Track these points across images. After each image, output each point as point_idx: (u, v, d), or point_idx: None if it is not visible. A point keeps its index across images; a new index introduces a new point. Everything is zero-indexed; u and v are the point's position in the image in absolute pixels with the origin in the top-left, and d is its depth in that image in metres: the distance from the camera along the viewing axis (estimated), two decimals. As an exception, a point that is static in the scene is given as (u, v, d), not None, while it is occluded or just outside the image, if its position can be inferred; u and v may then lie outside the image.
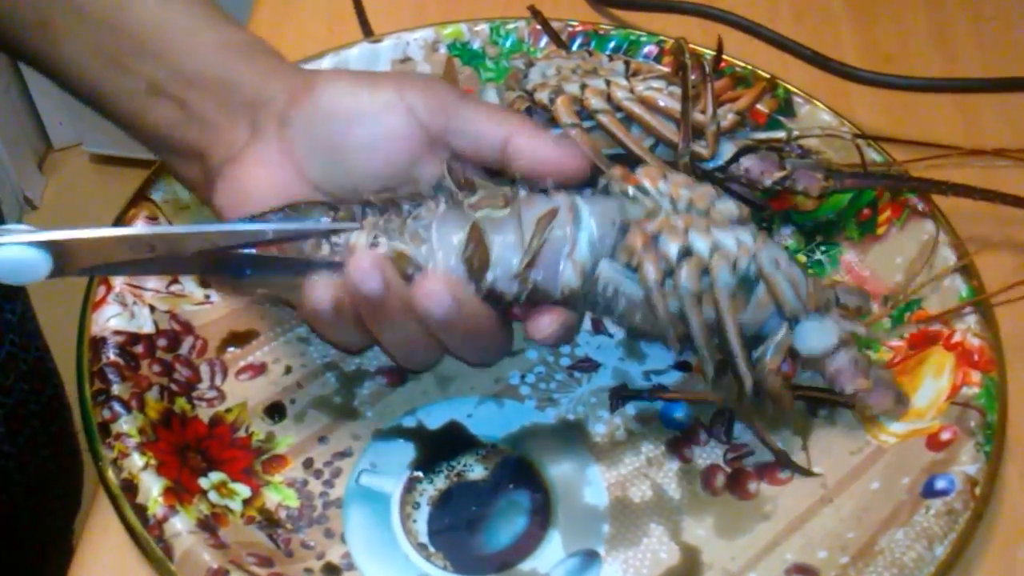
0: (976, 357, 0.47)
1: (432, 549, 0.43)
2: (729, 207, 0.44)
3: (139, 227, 0.40)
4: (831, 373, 0.45)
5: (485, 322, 0.42)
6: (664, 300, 0.42)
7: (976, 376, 0.46)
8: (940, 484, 0.43)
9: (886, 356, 0.49)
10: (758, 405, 0.45)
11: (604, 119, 0.48)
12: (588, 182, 0.44)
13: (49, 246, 0.38)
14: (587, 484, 0.45)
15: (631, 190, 0.44)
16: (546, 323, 0.42)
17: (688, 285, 0.42)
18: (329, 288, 0.41)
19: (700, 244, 0.43)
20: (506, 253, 0.41)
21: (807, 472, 0.45)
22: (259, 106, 0.43)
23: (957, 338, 0.47)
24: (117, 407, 0.44)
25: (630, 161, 0.47)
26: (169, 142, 0.45)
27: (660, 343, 0.50)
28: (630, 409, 0.48)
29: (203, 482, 0.44)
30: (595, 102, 0.48)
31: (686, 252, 0.42)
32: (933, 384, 0.47)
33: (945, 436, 0.45)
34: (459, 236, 0.41)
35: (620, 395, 0.48)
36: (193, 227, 0.40)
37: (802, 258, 0.53)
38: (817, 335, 0.44)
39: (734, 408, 0.46)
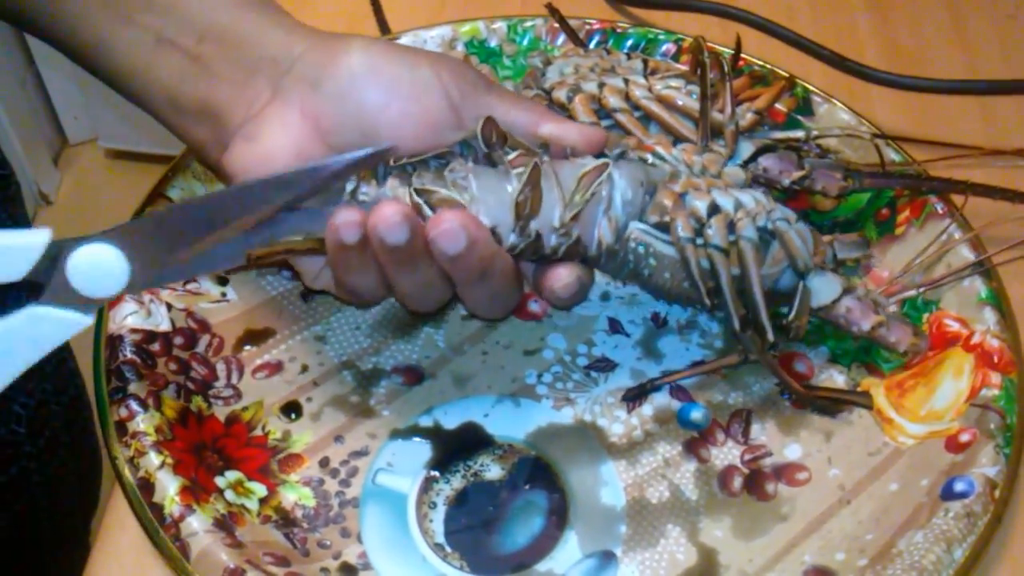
0: (996, 358, 0.46)
1: (449, 549, 0.43)
2: (736, 171, 0.47)
3: (203, 198, 0.39)
4: (845, 316, 0.46)
5: (501, 264, 0.42)
6: (696, 256, 0.44)
7: (996, 378, 0.46)
8: (959, 486, 0.43)
9: (905, 357, 0.48)
10: (776, 349, 0.47)
11: (622, 118, 0.48)
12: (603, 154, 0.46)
13: (117, 238, 0.37)
14: (604, 484, 0.45)
15: (649, 157, 0.46)
16: (564, 274, 0.43)
17: (718, 240, 0.44)
18: (356, 223, 0.39)
19: (724, 201, 0.45)
20: (547, 206, 0.43)
21: (838, 410, 0.47)
22: (282, 64, 0.42)
23: (976, 339, 0.47)
24: (134, 405, 0.44)
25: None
26: (177, 99, 0.44)
27: (682, 304, 0.50)
28: (647, 409, 0.47)
29: (219, 481, 0.44)
30: (613, 101, 0.48)
31: (713, 208, 0.45)
32: (952, 385, 0.47)
33: (964, 438, 0.44)
34: (504, 185, 0.42)
35: (634, 394, 0.48)
36: (247, 183, 0.39)
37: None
38: (825, 287, 0.46)
39: (759, 358, 0.46)
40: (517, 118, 0.44)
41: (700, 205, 0.45)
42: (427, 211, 0.42)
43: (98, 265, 0.37)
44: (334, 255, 0.41)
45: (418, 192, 0.42)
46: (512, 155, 0.43)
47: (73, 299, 0.37)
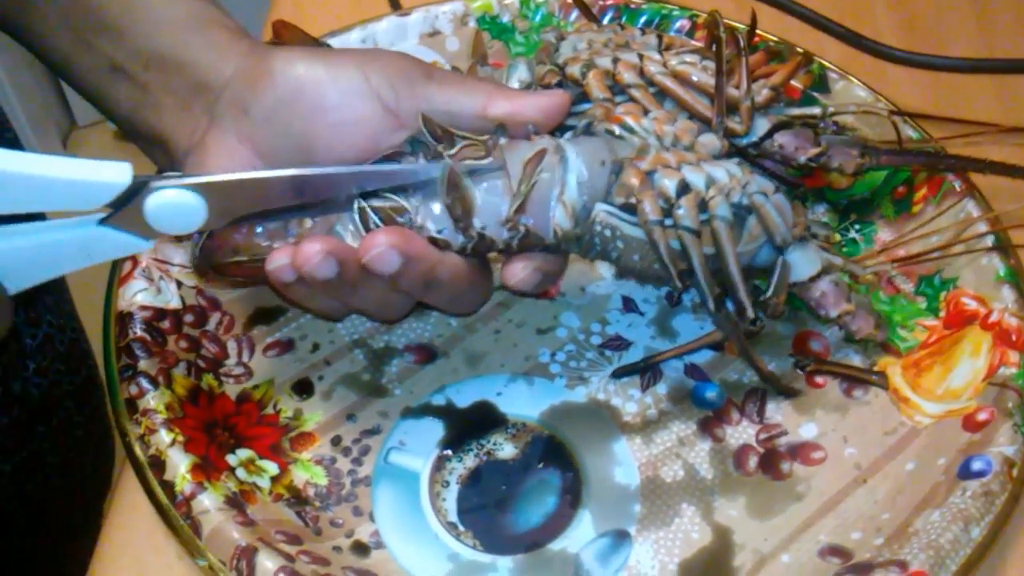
0: (1014, 337, 0.46)
1: (461, 528, 0.43)
2: (711, 140, 0.44)
3: (293, 169, 0.40)
4: (816, 298, 0.45)
5: (447, 271, 0.41)
6: (665, 238, 0.42)
7: (1014, 356, 0.45)
8: (977, 465, 0.42)
9: (922, 336, 0.48)
10: (755, 334, 0.45)
11: (637, 93, 0.47)
12: (570, 125, 0.44)
13: (205, 190, 0.38)
14: (618, 464, 0.45)
15: (616, 129, 0.44)
16: (518, 268, 0.42)
17: (688, 221, 0.42)
18: (286, 267, 0.40)
19: (695, 178, 0.43)
20: (493, 200, 0.41)
21: (794, 392, 0.46)
22: (213, 91, 0.42)
23: (994, 318, 0.47)
24: (144, 383, 0.44)
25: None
26: (133, 125, 0.45)
27: (653, 284, 0.50)
28: (661, 388, 0.47)
29: (231, 459, 0.44)
30: (628, 76, 0.47)
31: (683, 188, 0.42)
32: (970, 364, 0.46)
33: (982, 417, 0.44)
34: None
35: (625, 372, 0.47)
36: (349, 168, 0.40)
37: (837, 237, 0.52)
38: (804, 262, 0.45)
39: (734, 340, 0.46)
40: (464, 104, 0.42)
41: (668, 184, 0.42)
42: (375, 222, 0.41)
43: (178, 207, 0.38)
44: (281, 291, 0.42)
45: (364, 195, 0.41)
46: (455, 148, 0.42)
47: (140, 228, 0.38)
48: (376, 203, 0.41)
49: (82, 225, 0.38)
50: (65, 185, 0.36)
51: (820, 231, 0.47)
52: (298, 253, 0.39)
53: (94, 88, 0.45)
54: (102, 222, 0.38)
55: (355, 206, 0.41)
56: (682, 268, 0.43)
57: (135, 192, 0.37)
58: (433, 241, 0.41)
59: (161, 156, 0.45)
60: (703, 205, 0.43)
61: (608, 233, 0.43)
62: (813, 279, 0.45)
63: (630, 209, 0.42)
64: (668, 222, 0.42)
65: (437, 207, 0.41)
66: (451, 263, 0.42)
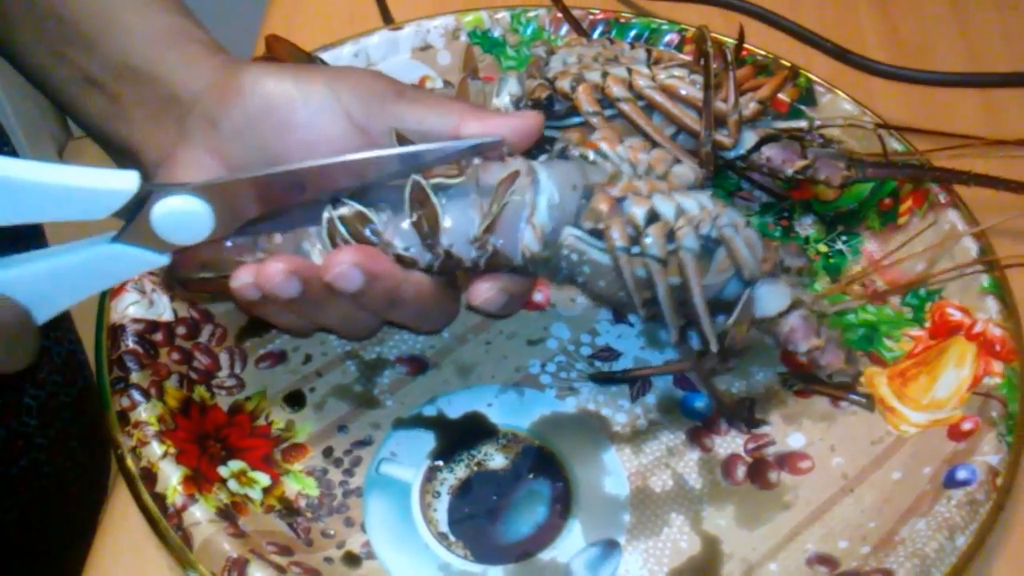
0: (998, 347, 0.46)
1: (452, 538, 0.43)
2: (685, 171, 0.44)
3: (297, 163, 0.40)
4: (785, 334, 0.45)
5: (411, 289, 0.41)
6: (631, 265, 0.42)
7: (998, 366, 0.46)
8: (962, 474, 0.43)
9: (907, 346, 0.48)
10: (720, 365, 0.45)
11: (626, 107, 0.48)
12: (544, 148, 0.44)
13: (210, 194, 0.38)
14: (607, 473, 0.45)
15: (591, 154, 0.44)
16: (483, 288, 0.42)
17: (655, 250, 0.42)
18: (250, 285, 0.40)
19: (665, 207, 0.42)
20: (464, 219, 0.41)
21: (759, 422, 0.46)
22: (183, 104, 0.42)
23: (979, 328, 0.47)
24: (136, 395, 0.44)
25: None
26: (104, 136, 0.45)
27: (620, 311, 0.50)
28: (650, 398, 0.47)
29: (222, 471, 0.44)
30: (617, 90, 0.48)
31: (652, 216, 0.42)
32: (955, 374, 0.47)
33: (967, 426, 0.44)
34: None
35: (602, 378, 0.48)
36: (349, 156, 0.40)
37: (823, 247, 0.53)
38: (773, 297, 0.44)
39: (695, 370, 0.46)
40: (435, 124, 0.42)
41: (638, 212, 0.42)
42: (345, 236, 0.41)
43: (184, 215, 0.39)
44: (247, 308, 0.42)
45: (335, 205, 0.41)
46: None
47: (151, 240, 0.39)
48: (345, 212, 0.41)
49: (95, 245, 0.38)
50: (72, 193, 0.36)
51: (794, 263, 0.46)
52: (261, 272, 0.40)
53: (68, 99, 0.45)
54: (115, 239, 0.38)
55: (323, 217, 0.41)
56: (647, 297, 0.43)
57: (142, 201, 0.38)
58: (399, 259, 0.41)
59: (134, 166, 0.44)
60: (671, 235, 0.42)
61: (575, 257, 0.42)
62: (782, 314, 0.44)
63: (599, 234, 0.42)
64: (635, 250, 0.42)
65: (406, 223, 0.41)
66: (415, 281, 0.42)
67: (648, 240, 0.42)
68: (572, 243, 0.42)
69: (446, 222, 0.41)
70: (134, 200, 0.37)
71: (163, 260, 0.39)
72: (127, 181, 0.37)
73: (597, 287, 0.43)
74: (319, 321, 0.43)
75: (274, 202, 0.39)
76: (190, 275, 0.42)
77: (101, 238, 0.39)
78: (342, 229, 0.41)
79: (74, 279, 0.38)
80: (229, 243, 0.42)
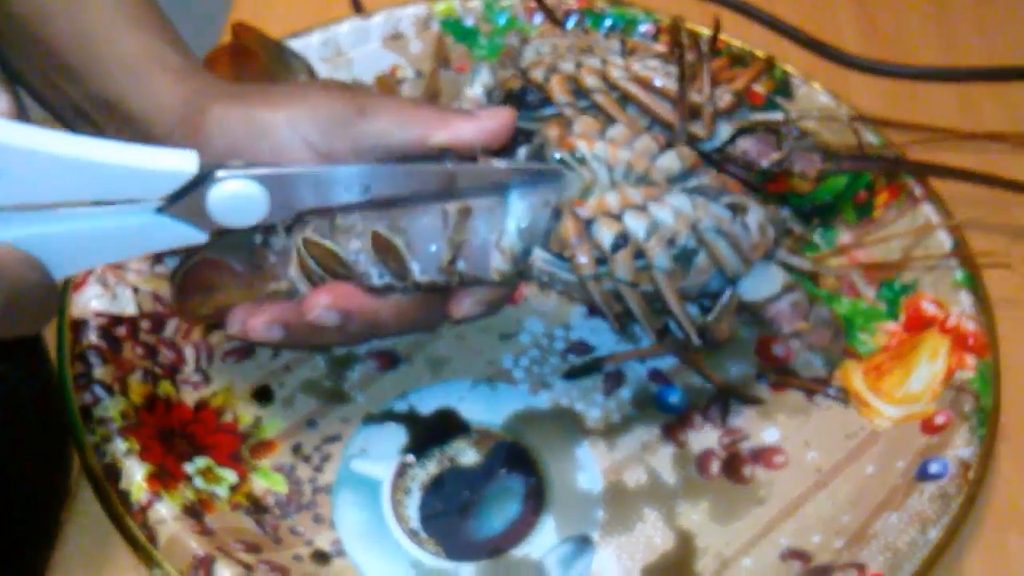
0: (971, 341, 0.46)
1: (424, 535, 0.43)
2: (671, 160, 0.43)
3: (359, 165, 0.39)
4: (770, 317, 0.45)
5: (389, 314, 0.43)
6: (599, 286, 0.42)
7: (971, 360, 0.46)
8: (934, 468, 0.43)
9: (882, 340, 0.48)
10: (703, 350, 0.45)
11: (599, 98, 0.47)
12: (519, 141, 0.43)
13: (270, 182, 0.38)
14: (581, 469, 0.45)
15: (567, 156, 0.43)
16: (465, 304, 0.43)
17: (622, 273, 0.41)
18: (243, 332, 0.42)
19: (636, 225, 0.41)
20: (432, 249, 0.41)
21: (754, 400, 0.46)
22: (158, 139, 0.42)
23: (952, 322, 0.47)
24: (99, 391, 0.43)
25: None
26: None
27: (595, 308, 0.49)
28: (625, 393, 0.47)
29: (188, 467, 0.43)
30: (590, 81, 0.47)
31: (621, 239, 0.41)
32: (928, 368, 0.47)
33: (939, 420, 0.45)
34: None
35: (577, 372, 0.47)
36: (419, 165, 0.40)
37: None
38: (761, 284, 0.44)
39: (679, 357, 0.46)
40: (401, 137, 0.41)
41: (606, 237, 0.41)
42: (313, 267, 0.42)
43: (242, 199, 0.38)
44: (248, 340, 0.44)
45: (306, 244, 0.42)
46: None
47: (199, 218, 0.38)
48: (313, 237, 0.42)
49: (139, 212, 0.37)
50: (129, 173, 0.35)
51: (796, 228, 0.47)
52: (247, 327, 0.42)
53: (67, 124, 0.45)
54: (160, 210, 0.37)
55: (292, 246, 0.42)
56: (618, 310, 0.43)
57: (199, 182, 0.37)
58: (375, 289, 0.42)
59: None
60: (642, 254, 0.42)
61: (546, 278, 0.43)
62: (771, 300, 0.44)
63: (566, 259, 0.42)
64: (604, 269, 0.41)
65: (375, 254, 0.42)
66: (393, 303, 0.43)
67: (616, 265, 0.41)
68: (541, 266, 0.42)
69: (413, 264, 0.41)
70: (192, 181, 0.37)
71: (202, 237, 0.38)
72: (187, 161, 0.36)
73: (571, 298, 0.44)
74: (317, 343, 0.45)
75: (333, 199, 0.39)
76: (197, 309, 0.44)
77: (145, 206, 0.37)
78: (311, 261, 0.42)
79: (108, 243, 0.37)
80: (240, 267, 0.43)
